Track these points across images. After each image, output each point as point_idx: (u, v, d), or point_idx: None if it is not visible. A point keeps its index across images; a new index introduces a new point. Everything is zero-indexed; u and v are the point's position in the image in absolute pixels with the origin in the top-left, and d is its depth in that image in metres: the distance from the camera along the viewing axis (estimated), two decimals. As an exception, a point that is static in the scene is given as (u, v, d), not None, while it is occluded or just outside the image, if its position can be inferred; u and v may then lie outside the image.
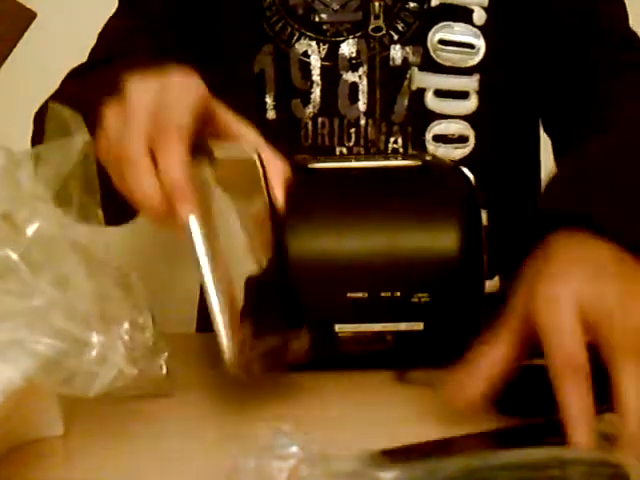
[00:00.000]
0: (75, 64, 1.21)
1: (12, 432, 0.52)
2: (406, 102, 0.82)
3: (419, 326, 0.64)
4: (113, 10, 1.18)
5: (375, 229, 0.64)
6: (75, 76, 0.85)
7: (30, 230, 0.50)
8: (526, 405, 0.57)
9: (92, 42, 1.19)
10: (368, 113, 0.82)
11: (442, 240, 0.64)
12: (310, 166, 0.69)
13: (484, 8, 0.83)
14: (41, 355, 0.47)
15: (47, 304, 0.48)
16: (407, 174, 0.69)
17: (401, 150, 0.81)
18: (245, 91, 0.81)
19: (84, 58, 1.19)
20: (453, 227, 0.64)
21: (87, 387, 0.49)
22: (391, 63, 0.82)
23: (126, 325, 0.53)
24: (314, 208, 0.65)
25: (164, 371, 0.58)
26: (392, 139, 0.82)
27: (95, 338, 0.50)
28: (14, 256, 0.49)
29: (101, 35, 0.89)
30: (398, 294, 0.63)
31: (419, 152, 0.82)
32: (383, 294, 0.63)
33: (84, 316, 0.50)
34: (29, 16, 0.95)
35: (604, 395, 0.57)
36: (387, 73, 0.82)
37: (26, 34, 0.95)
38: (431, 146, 0.82)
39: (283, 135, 0.80)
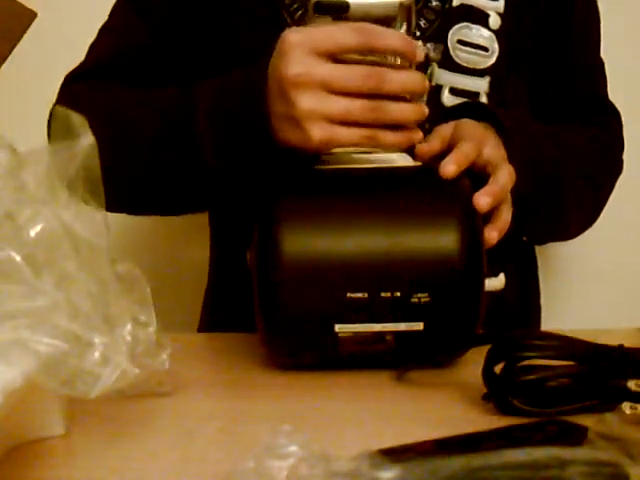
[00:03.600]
0: (75, 64, 1.21)
1: (12, 432, 0.52)
2: (425, 97, 0.83)
3: (419, 326, 0.64)
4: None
5: (375, 229, 0.64)
6: (81, 79, 0.86)
7: (33, 231, 0.50)
8: (526, 405, 0.57)
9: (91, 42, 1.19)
10: None
11: (442, 240, 0.64)
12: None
13: (499, 14, 0.86)
14: (43, 355, 0.47)
15: (50, 305, 0.48)
16: (407, 174, 0.69)
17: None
18: None
19: (84, 58, 1.19)
20: (453, 227, 0.64)
21: (89, 388, 0.49)
22: None
23: (129, 326, 0.53)
24: (315, 208, 0.65)
25: (167, 366, 0.58)
26: None
27: (98, 339, 0.50)
28: (17, 257, 0.49)
29: (104, 33, 0.88)
30: (398, 294, 0.63)
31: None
32: (383, 294, 0.63)
33: (87, 317, 0.50)
34: (29, 16, 0.95)
35: (598, 391, 0.57)
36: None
37: (26, 34, 0.95)
38: None
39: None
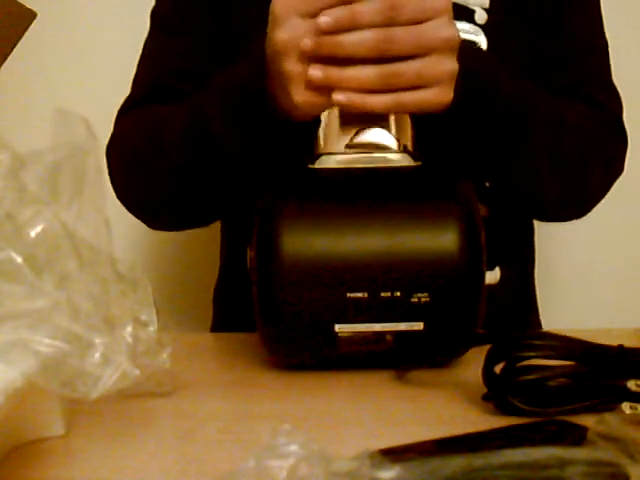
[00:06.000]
0: (75, 64, 1.22)
1: (12, 432, 0.52)
2: None
3: (419, 326, 0.64)
4: (112, 10, 1.19)
5: (375, 229, 0.64)
6: (132, 109, 0.89)
7: (34, 231, 0.50)
8: (526, 405, 0.57)
9: (91, 42, 1.19)
10: None
11: (442, 240, 0.64)
12: (310, 166, 0.69)
13: (485, 9, 0.85)
14: (43, 356, 0.47)
15: (50, 305, 0.48)
16: (407, 174, 0.69)
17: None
18: None
19: (84, 58, 1.19)
20: (453, 227, 0.64)
21: (89, 389, 0.49)
22: None
23: (129, 328, 0.53)
24: (315, 208, 0.66)
25: (167, 365, 0.58)
26: None
27: (98, 339, 0.50)
28: (18, 257, 0.49)
29: (142, 63, 0.91)
30: (398, 294, 0.63)
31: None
32: (383, 294, 0.63)
33: (87, 317, 0.50)
34: (29, 16, 0.95)
35: (598, 391, 0.57)
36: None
37: (26, 34, 0.95)
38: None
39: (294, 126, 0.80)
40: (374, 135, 0.69)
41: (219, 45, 0.87)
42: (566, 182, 0.83)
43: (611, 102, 0.91)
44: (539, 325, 0.98)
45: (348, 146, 0.69)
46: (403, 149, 0.70)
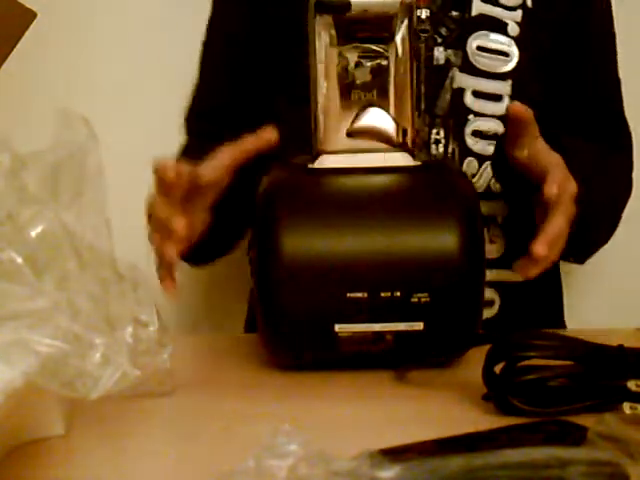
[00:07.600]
0: (75, 64, 1.21)
1: (12, 432, 0.52)
2: (448, 97, 0.87)
3: (419, 326, 0.64)
4: (112, 11, 1.19)
5: (375, 229, 0.64)
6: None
7: (34, 232, 0.50)
8: (526, 405, 0.57)
9: (92, 42, 1.19)
10: None
11: (442, 240, 0.64)
12: (310, 166, 0.69)
13: (517, 22, 0.89)
14: (43, 356, 0.47)
15: (50, 305, 0.48)
16: (407, 174, 0.69)
17: (443, 141, 0.87)
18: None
19: (84, 58, 1.19)
20: (453, 227, 0.64)
21: (89, 389, 0.49)
22: (435, 62, 0.88)
23: (130, 328, 0.53)
24: (314, 208, 0.65)
25: (167, 365, 0.58)
26: (435, 130, 0.87)
27: (98, 339, 0.50)
28: (18, 258, 0.49)
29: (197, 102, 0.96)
30: (398, 294, 0.63)
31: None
32: (383, 294, 0.63)
33: (87, 317, 0.50)
34: (29, 16, 0.95)
35: (598, 391, 0.57)
36: (431, 71, 0.87)
37: (26, 34, 0.95)
38: (470, 140, 0.87)
39: None
40: (373, 117, 0.69)
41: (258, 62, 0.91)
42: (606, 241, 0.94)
43: (626, 139, 0.96)
44: (562, 322, 1.00)
45: (348, 133, 0.69)
46: (402, 139, 0.70)
